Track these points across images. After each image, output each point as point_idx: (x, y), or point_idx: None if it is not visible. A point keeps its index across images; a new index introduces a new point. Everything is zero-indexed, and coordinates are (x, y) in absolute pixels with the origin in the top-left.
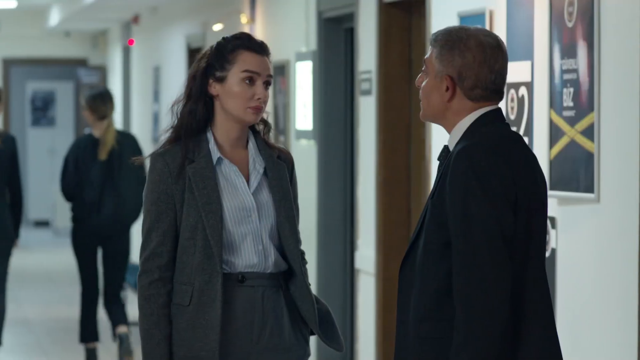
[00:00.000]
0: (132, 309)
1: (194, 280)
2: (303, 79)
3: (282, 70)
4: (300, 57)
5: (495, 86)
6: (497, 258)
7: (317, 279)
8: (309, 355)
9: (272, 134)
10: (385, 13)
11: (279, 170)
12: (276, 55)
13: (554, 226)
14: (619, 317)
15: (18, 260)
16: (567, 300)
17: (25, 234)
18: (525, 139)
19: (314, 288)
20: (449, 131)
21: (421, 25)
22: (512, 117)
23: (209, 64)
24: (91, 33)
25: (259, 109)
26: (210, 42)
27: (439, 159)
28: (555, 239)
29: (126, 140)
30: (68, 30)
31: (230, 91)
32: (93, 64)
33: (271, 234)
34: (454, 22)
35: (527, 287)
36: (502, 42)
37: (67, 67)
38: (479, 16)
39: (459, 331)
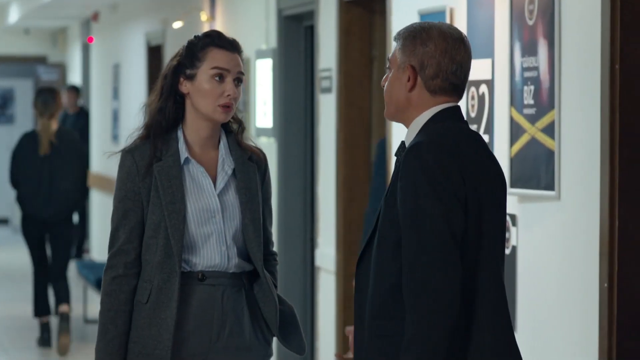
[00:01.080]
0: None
1: (154, 278)
2: (263, 76)
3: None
4: (260, 54)
5: (455, 78)
6: (446, 256)
7: (278, 276)
8: (270, 355)
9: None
10: (345, 11)
11: (248, 171)
12: None
13: (514, 224)
14: (580, 314)
15: None
16: (528, 298)
17: None
18: (486, 137)
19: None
20: (407, 127)
21: (382, 23)
22: (473, 114)
23: (180, 63)
24: (50, 30)
25: (228, 107)
26: (170, 40)
27: (396, 154)
28: (515, 236)
29: (66, 137)
30: (27, 27)
31: (200, 88)
32: (52, 61)
33: (235, 235)
34: (414, 19)
35: (479, 285)
36: (466, 38)
37: (26, 65)
38: (439, 14)
39: (409, 327)
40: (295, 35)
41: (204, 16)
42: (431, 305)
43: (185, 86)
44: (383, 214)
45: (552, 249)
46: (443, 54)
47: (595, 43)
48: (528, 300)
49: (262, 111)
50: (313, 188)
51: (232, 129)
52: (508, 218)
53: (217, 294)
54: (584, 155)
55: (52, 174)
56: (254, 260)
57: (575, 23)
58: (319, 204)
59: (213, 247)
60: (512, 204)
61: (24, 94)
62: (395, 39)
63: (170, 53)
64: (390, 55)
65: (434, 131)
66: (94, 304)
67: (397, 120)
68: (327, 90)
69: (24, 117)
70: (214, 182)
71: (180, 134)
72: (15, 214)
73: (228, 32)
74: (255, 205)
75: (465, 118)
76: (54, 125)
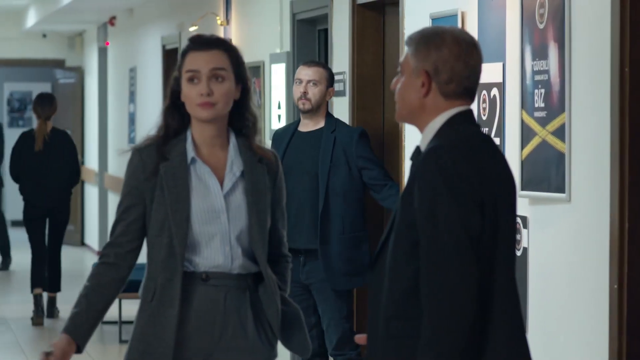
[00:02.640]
0: None
1: (157, 277)
2: (278, 80)
3: (257, 71)
4: (275, 58)
5: (469, 83)
6: (464, 258)
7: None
8: (274, 357)
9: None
10: (358, 14)
11: (257, 174)
12: (251, 56)
13: (525, 226)
14: (590, 316)
15: None
16: (539, 299)
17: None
18: (497, 140)
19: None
20: (421, 131)
21: (394, 26)
22: (484, 117)
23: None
24: (68, 34)
25: (206, 105)
26: (185, 44)
27: (411, 159)
28: (526, 238)
29: (59, 135)
30: (45, 31)
31: (183, 94)
32: (70, 65)
33: (240, 236)
34: (426, 23)
35: (495, 287)
36: (478, 42)
37: (44, 69)
38: (451, 17)
39: (426, 329)
40: (309, 39)
41: (219, 20)
42: (448, 307)
43: (182, 95)
44: (399, 217)
45: (562, 251)
46: (457, 58)
47: (605, 46)
48: (539, 302)
49: (277, 114)
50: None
51: (245, 129)
52: (519, 220)
53: (220, 295)
54: (594, 157)
55: (47, 167)
56: (259, 262)
57: (585, 26)
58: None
59: (217, 248)
60: (523, 206)
61: None
62: (407, 43)
63: None
64: (401, 59)
65: (450, 135)
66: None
67: (409, 123)
68: (341, 93)
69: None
70: (221, 182)
71: (189, 134)
72: None
73: (242, 36)
74: (262, 206)
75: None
76: (49, 125)
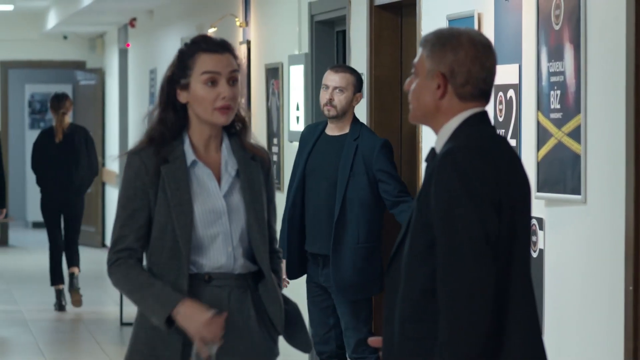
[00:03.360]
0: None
1: (161, 279)
2: (296, 81)
3: (276, 72)
4: (293, 60)
5: (485, 85)
6: (481, 259)
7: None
8: (277, 355)
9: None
10: (376, 15)
11: (252, 172)
12: (269, 58)
13: (541, 227)
14: (605, 317)
15: (16, 260)
16: (555, 300)
17: (24, 235)
18: (513, 142)
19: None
20: (436, 132)
21: (412, 27)
22: (501, 119)
23: (174, 73)
24: (89, 36)
25: (226, 109)
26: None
27: (426, 160)
28: (542, 240)
29: (78, 129)
30: (65, 33)
31: (195, 96)
32: (91, 66)
33: (241, 236)
34: (443, 24)
35: (511, 289)
36: (492, 44)
37: (65, 71)
38: (468, 19)
39: (443, 331)
40: (328, 40)
41: (238, 22)
42: (465, 309)
43: (182, 96)
44: (415, 218)
45: (578, 252)
46: (473, 60)
47: (621, 47)
48: (555, 303)
49: (295, 115)
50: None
51: (235, 129)
52: (535, 222)
53: (224, 295)
54: (610, 159)
55: (65, 159)
56: (259, 260)
57: (600, 28)
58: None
59: (219, 248)
60: (539, 207)
61: None
62: (422, 44)
63: None
64: (416, 60)
65: (467, 136)
66: (129, 307)
67: (424, 124)
68: None
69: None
70: (219, 183)
71: (185, 137)
72: None
73: (261, 38)
74: (260, 204)
75: (492, 122)
76: (67, 119)
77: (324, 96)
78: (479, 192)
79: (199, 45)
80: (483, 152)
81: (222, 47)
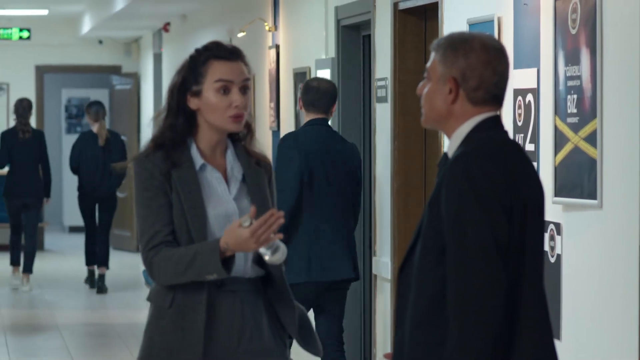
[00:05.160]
0: None
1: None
2: None
3: (304, 77)
4: (320, 64)
5: (497, 90)
6: (491, 265)
7: None
8: (288, 358)
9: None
10: (400, 20)
11: (258, 177)
12: (298, 62)
13: (559, 232)
14: (620, 322)
15: (51, 265)
16: (572, 306)
17: (60, 239)
18: (532, 146)
19: None
20: (449, 137)
21: (435, 31)
22: (520, 123)
23: (185, 79)
24: (124, 40)
25: (239, 117)
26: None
27: (438, 165)
28: (560, 245)
29: (114, 135)
30: (101, 37)
31: (208, 104)
32: (126, 71)
33: None
34: (464, 29)
35: (522, 295)
36: (505, 48)
37: (101, 75)
38: (488, 23)
39: (452, 337)
40: (354, 44)
41: (267, 26)
42: (475, 314)
43: (193, 102)
44: (426, 223)
45: (594, 257)
46: (485, 65)
47: (636, 52)
48: (572, 309)
49: None
50: (371, 197)
51: (240, 135)
52: (553, 227)
53: (237, 300)
54: (626, 163)
55: (105, 160)
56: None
57: (616, 31)
58: (375, 212)
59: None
60: (557, 212)
61: None
62: (434, 49)
63: None
64: (428, 64)
65: (479, 141)
66: None
67: (436, 128)
68: (383, 99)
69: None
70: (227, 187)
71: (192, 142)
72: None
73: (290, 42)
74: (267, 209)
75: (510, 127)
76: (105, 127)
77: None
78: (489, 197)
79: (212, 51)
80: (494, 157)
81: (235, 54)
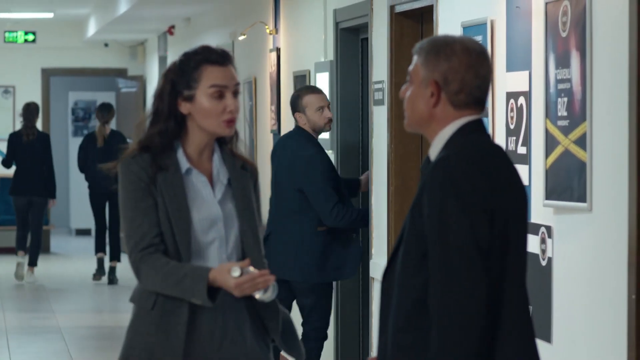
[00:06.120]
0: None
1: None
2: (322, 88)
3: (303, 80)
4: (319, 67)
5: (479, 93)
6: (473, 269)
7: (335, 285)
8: None
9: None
10: (397, 23)
11: (243, 180)
12: (298, 65)
13: (550, 235)
14: (610, 326)
15: (56, 268)
16: (563, 309)
17: (66, 242)
18: (524, 149)
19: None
20: (431, 140)
21: (431, 34)
22: (512, 126)
23: (175, 83)
24: (130, 43)
25: (232, 121)
26: (238, 52)
27: (421, 169)
28: (551, 248)
29: (116, 135)
30: (106, 40)
31: (201, 109)
32: (132, 74)
33: (235, 242)
34: (457, 32)
35: (505, 299)
36: (487, 51)
37: (107, 78)
38: (481, 26)
39: (434, 342)
40: (352, 47)
41: (268, 29)
42: (457, 318)
43: (185, 107)
44: (409, 227)
45: (584, 261)
46: (467, 69)
47: (624, 55)
48: (563, 312)
49: None
50: (369, 199)
51: (226, 139)
52: (544, 230)
53: (218, 303)
54: (614, 167)
55: (105, 160)
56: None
57: (606, 35)
58: (372, 215)
59: (214, 256)
60: (548, 215)
61: None
62: (416, 52)
63: (238, 65)
64: (410, 67)
65: (460, 144)
66: None
67: (419, 132)
68: (380, 102)
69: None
70: (212, 191)
71: (178, 146)
72: None
73: (290, 45)
74: (251, 212)
75: (503, 130)
76: (108, 128)
77: (327, 114)
78: (471, 201)
79: (204, 55)
80: (476, 161)
81: (227, 59)
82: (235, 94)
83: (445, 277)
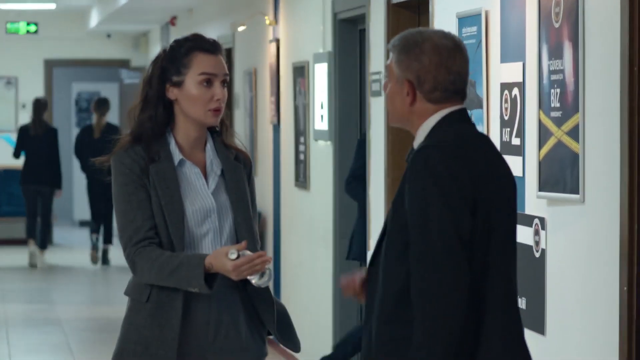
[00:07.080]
0: None
1: None
2: (320, 80)
3: (302, 71)
4: (318, 58)
5: (455, 87)
6: (454, 259)
7: (334, 275)
8: (265, 354)
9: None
10: (394, 14)
11: (236, 171)
12: (297, 56)
13: (543, 227)
14: (602, 318)
15: (58, 259)
16: (556, 301)
17: (69, 234)
18: (518, 140)
19: (329, 286)
20: (414, 134)
21: (427, 25)
22: (506, 117)
23: (164, 69)
24: (132, 34)
25: (219, 110)
26: (238, 43)
27: (406, 160)
28: (545, 239)
29: (111, 128)
30: (109, 31)
31: (188, 95)
32: (135, 65)
33: (229, 234)
34: (453, 23)
35: (489, 287)
36: (461, 43)
37: (110, 69)
38: (476, 17)
39: (417, 332)
40: (350, 38)
41: (267, 20)
42: (439, 309)
43: (172, 92)
44: (391, 218)
45: (577, 252)
46: (438, 67)
47: (616, 46)
48: (556, 303)
49: (320, 114)
50: (367, 190)
51: (218, 129)
52: (537, 221)
53: (214, 296)
54: (606, 158)
55: (101, 151)
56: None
57: (598, 25)
58: (370, 206)
59: (208, 247)
60: (541, 207)
61: (110, 97)
62: (390, 49)
63: (238, 56)
64: (387, 62)
65: (441, 135)
66: None
67: (402, 127)
68: (377, 93)
69: (111, 119)
70: (206, 182)
71: (170, 136)
72: None
73: (289, 36)
74: (245, 204)
75: (497, 121)
76: (104, 120)
77: None
78: (451, 190)
79: (196, 43)
80: (457, 150)
81: (217, 48)
82: (224, 83)
83: (426, 268)
